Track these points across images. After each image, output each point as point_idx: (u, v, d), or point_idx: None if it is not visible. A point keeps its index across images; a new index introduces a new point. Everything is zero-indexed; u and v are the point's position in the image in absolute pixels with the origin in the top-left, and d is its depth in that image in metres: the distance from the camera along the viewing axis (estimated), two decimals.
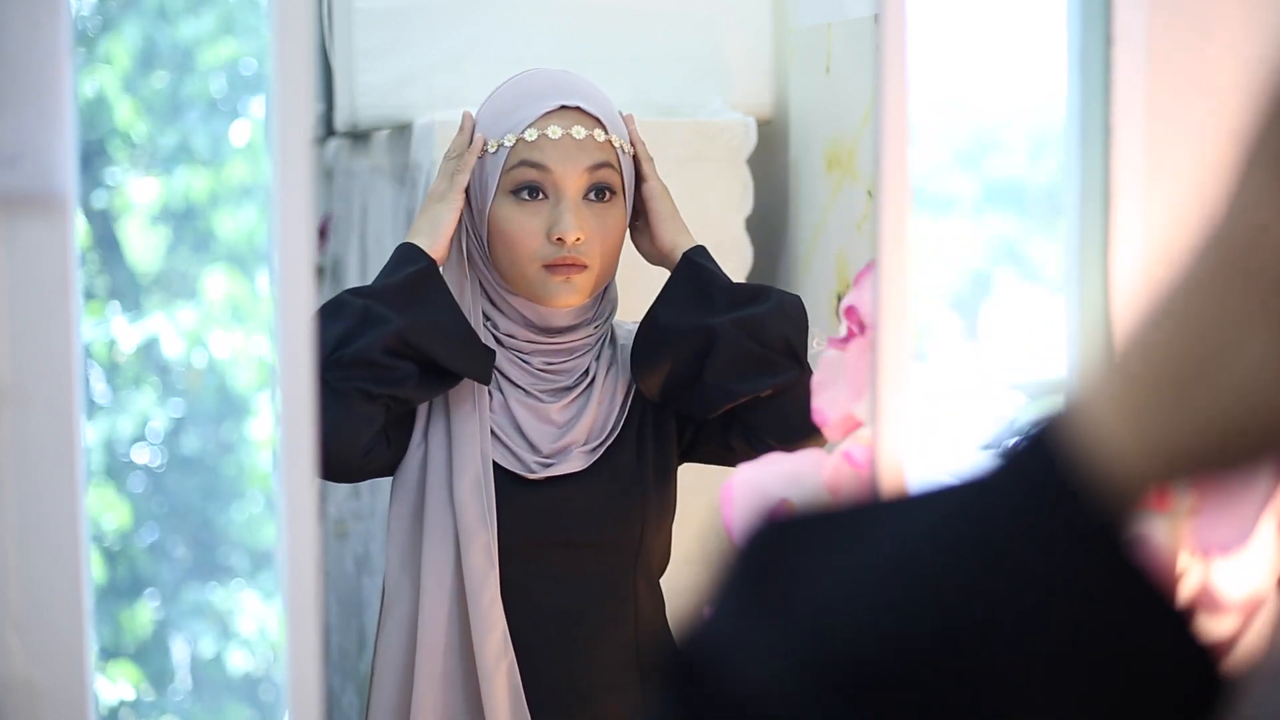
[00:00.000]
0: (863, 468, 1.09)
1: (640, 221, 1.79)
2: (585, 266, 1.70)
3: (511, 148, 1.71)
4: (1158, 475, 0.56)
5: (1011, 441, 0.58)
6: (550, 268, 1.70)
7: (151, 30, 4.04)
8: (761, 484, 1.09)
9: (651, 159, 1.79)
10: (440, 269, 1.71)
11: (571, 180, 1.70)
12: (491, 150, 1.72)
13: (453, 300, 1.70)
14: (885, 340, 1.15)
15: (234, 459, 4.20)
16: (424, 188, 1.99)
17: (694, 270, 1.74)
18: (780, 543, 0.61)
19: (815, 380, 1.15)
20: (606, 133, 1.72)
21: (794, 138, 2.22)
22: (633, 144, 1.77)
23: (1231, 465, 0.57)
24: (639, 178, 1.78)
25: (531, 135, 1.70)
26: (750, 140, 2.17)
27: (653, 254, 1.79)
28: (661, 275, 1.79)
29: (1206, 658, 0.56)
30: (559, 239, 1.69)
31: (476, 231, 1.74)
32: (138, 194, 4.10)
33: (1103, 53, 1.41)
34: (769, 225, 2.22)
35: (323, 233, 2.41)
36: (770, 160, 2.23)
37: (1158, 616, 0.55)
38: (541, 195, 1.71)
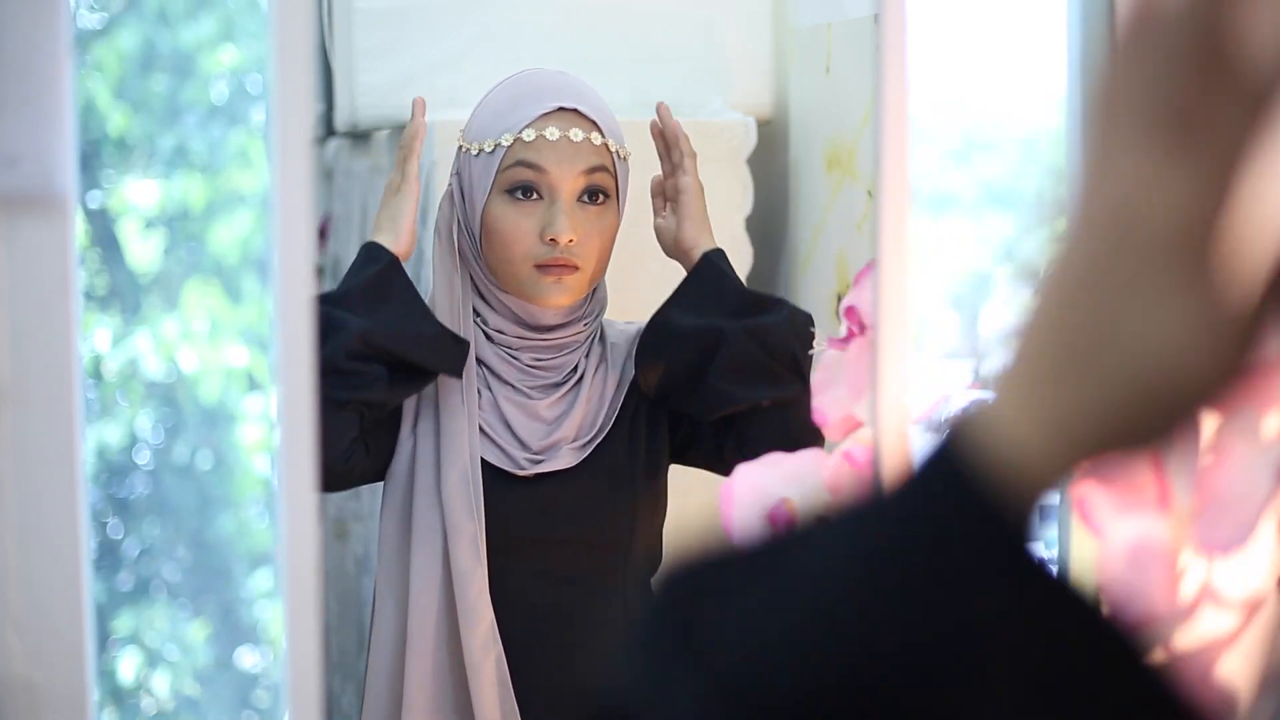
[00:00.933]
0: (863, 467, 1.09)
1: (667, 211, 1.79)
2: (577, 268, 1.71)
3: (508, 147, 1.71)
4: (1066, 460, 0.54)
5: (925, 449, 0.56)
6: (542, 268, 1.71)
7: (151, 34, 4.04)
8: (761, 484, 1.08)
9: (695, 154, 1.79)
10: (404, 264, 1.71)
11: (567, 182, 1.71)
12: (488, 149, 1.72)
13: (417, 296, 1.70)
14: (885, 340, 1.14)
15: (224, 466, 4.20)
16: (424, 188, 1.99)
17: (711, 272, 1.74)
18: (695, 588, 0.59)
19: (815, 380, 1.15)
20: (603, 136, 1.73)
21: (794, 138, 2.22)
22: (676, 136, 1.78)
23: (1138, 441, 0.54)
24: (676, 168, 1.78)
25: (529, 136, 1.71)
26: (750, 140, 2.17)
27: (672, 248, 1.79)
28: (658, 276, 1.79)
29: (1126, 644, 0.54)
30: (552, 240, 1.70)
31: (470, 228, 1.74)
32: (135, 197, 4.10)
33: (1102, 53, 1.41)
34: (769, 225, 2.22)
35: (323, 233, 2.41)
36: (770, 160, 2.23)
37: (1075, 616, 0.53)
38: (536, 195, 1.71)
